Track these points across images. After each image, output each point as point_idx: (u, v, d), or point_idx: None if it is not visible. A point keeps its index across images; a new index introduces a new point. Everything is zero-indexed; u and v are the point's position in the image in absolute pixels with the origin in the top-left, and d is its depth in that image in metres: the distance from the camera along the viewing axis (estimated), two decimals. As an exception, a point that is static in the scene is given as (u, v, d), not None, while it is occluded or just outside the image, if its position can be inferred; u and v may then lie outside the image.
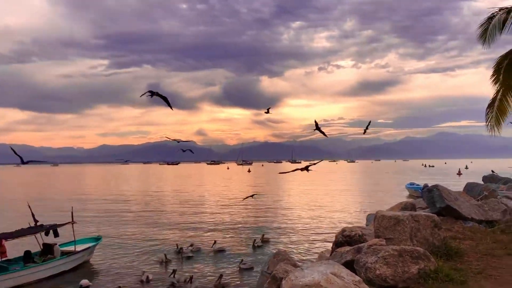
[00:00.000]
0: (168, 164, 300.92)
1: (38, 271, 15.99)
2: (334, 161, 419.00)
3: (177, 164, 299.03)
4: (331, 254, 8.56)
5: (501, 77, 25.04)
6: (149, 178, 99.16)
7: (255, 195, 23.71)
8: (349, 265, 7.31)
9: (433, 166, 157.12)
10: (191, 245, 19.51)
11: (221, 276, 14.79)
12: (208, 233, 23.86)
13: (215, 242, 19.85)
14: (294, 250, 18.62)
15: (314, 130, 15.17)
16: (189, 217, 30.69)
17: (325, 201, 39.59)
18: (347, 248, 7.95)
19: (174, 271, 15.31)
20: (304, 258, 17.06)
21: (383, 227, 8.42)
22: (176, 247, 19.23)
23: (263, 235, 21.25)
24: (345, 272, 6.00)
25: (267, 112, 17.18)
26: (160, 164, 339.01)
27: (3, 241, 15.43)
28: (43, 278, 15.84)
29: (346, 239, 8.54)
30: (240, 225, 26.53)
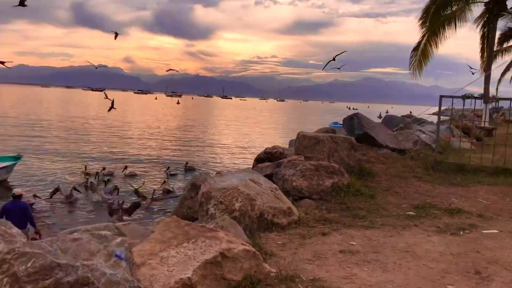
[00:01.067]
0: (92, 90, 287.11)
1: None
2: (265, 99, 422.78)
3: (101, 90, 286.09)
4: (252, 169, 8.73)
5: (427, 22, 25.98)
6: (71, 104, 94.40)
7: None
8: (269, 178, 7.48)
9: (356, 109, 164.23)
10: (103, 169, 18.94)
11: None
12: (126, 161, 23.23)
13: (126, 167, 19.45)
14: (215, 170, 18.87)
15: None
16: (110, 144, 29.82)
17: (252, 134, 40.22)
18: (268, 163, 8.13)
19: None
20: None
21: (303, 146, 8.66)
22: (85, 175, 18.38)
23: (187, 163, 21.17)
24: (263, 179, 6.13)
25: (116, 37, 16.32)
26: (84, 89, 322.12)
27: None
28: None
29: (267, 156, 8.71)
30: (161, 154, 26.24)
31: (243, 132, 39.04)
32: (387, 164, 9.73)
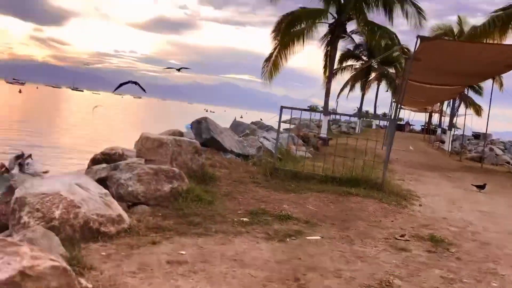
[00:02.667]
0: None
1: None
2: (120, 95, 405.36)
3: None
4: (85, 172, 8.07)
5: (279, 36, 27.60)
6: None
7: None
8: (103, 182, 6.96)
9: (213, 112, 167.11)
10: None
11: None
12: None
13: None
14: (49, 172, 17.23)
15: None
16: None
17: (97, 132, 37.90)
18: (104, 165, 7.57)
19: None
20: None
21: (145, 148, 8.32)
22: None
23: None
24: (93, 185, 5.64)
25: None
26: None
27: None
28: None
29: (104, 157, 8.13)
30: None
31: (86, 130, 36.52)
32: (230, 169, 9.90)
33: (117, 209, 5.50)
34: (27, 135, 28.35)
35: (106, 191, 5.69)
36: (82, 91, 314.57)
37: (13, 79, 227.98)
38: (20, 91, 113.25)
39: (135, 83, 14.39)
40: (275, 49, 28.11)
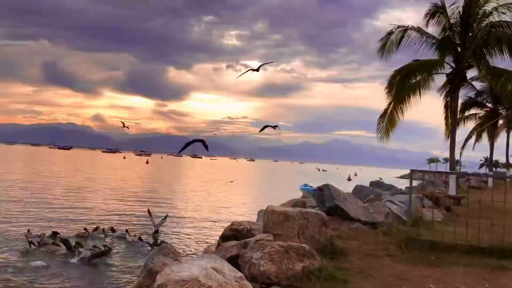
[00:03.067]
0: (59, 148, 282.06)
1: None
2: (235, 158, 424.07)
3: (68, 149, 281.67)
4: (216, 248, 8.12)
5: (393, 91, 26.76)
6: (38, 162, 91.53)
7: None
8: (234, 260, 6.90)
9: (326, 171, 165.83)
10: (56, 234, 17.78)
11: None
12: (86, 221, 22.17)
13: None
14: (180, 242, 17.87)
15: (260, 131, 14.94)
16: (73, 205, 28.51)
17: (219, 195, 39.39)
18: (233, 242, 7.55)
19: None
20: (190, 252, 16.45)
21: (272, 222, 8.17)
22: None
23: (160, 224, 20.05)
24: (227, 267, 5.56)
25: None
26: (50, 147, 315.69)
27: None
28: None
29: (233, 233, 8.14)
30: (122, 215, 25.12)
31: (209, 197, 37.96)
32: (359, 240, 9.30)
33: (253, 294, 5.32)
34: (157, 206, 30.29)
35: (241, 274, 5.56)
36: (201, 157, 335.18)
37: (141, 151, 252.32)
38: (147, 162, 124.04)
39: (201, 141, 14.23)
40: (389, 104, 27.16)
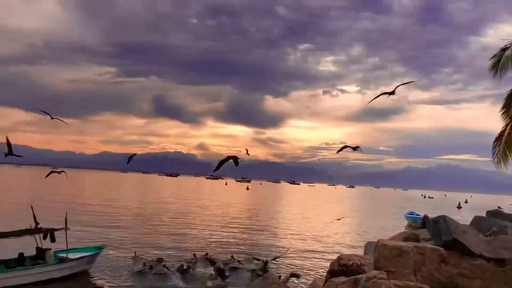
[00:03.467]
0: (167, 175, 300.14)
1: (20, 276, 15.11)
2: (333, 185, 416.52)
3: (176, 176, 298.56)
4: (324, 284, 7.71)
5: (510, 111, 24.35)
6: (148, 188, 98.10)
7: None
8: (344, 298, 6.48)
9: (432, 198, 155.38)
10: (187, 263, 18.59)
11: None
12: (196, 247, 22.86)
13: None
14: (285, 274, 17.49)
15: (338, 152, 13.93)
16: (187, 231, 29.76)
17: (322, 225, 38.51)
18: (343, 278, 7.11)
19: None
20: (295, 285, 16.04)
21: (383, 257, 7.60)
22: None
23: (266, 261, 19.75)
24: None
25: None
26: (159, 174, 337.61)
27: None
28: (25, 284, 14.90)
29: (342, 268, 7.70)
30: (225, 244, 25.48)
31: (312, 225, 37.19)
32: (485, 280, 8.29)
33: None
34: (259, 234, 30.42)
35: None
36: (299, 184, 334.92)
37: (241, 177, 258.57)
38: (247, 188, 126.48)
39: (233, 157, 14.18)
40: (507, 125, 24.77)
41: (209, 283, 16.35)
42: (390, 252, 7.51)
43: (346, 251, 23.25)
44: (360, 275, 6.93)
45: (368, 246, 11.42)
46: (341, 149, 12.39)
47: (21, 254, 16.45)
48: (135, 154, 19.94)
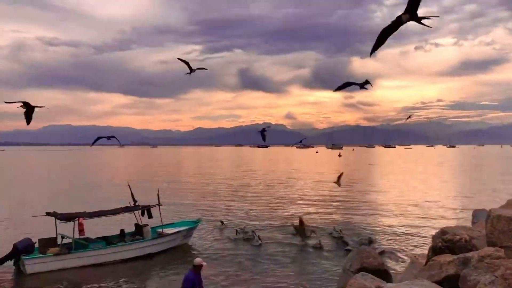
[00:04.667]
0: (258, 147, 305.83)
1: (119, 252, 15.85)
2: (432, 146, 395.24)
3: (267, 147, 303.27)
4: (426, 263, 6.66)
5: None
6: (241, 160, 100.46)
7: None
8: (451, 281, 5.43)
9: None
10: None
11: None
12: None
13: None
14: (381, 247, 16.30)
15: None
16: (279, 201, 29.64)
17: (421, 191, 36.05)
18: (449, 257, 6.01)
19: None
20: (392, 259, 14.85)
21: (499, 231, 6.33)
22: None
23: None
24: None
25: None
26: (251, 146, 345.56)
27: (81, 219, 15.39)
28: (126, 258, 15.70)
29: (447, 245, 6.54)
30: (319, 212, 24.79)
31: (410, 193, 34.78)
32: None
33: None
34: (360, 206, 29.37)
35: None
36: (394, 147, 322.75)
37: (332, 144, 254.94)
38: (339, 155, 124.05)
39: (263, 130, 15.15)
40: None
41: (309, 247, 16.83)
42: (507, 225, 6.23)
43: (451, 221, 21.27)
44: (470, 253, 5.80)
45: (476, 214, 9.94)
46: (342, 87, 10.15)
47: (122, 231, 17.25)
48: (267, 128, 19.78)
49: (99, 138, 16.57)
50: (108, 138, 17.16)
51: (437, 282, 5.48)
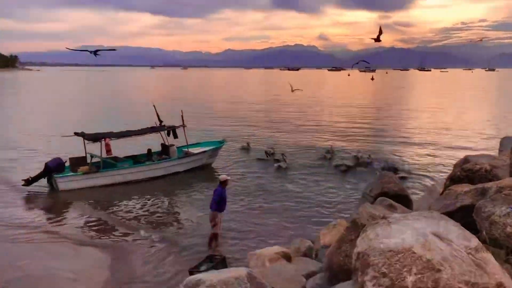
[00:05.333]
0: (289, 69, 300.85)
1: (147, 170, 16.36)
2: (470, 69, 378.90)
3: (297, 70, 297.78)
4: (442, 192, 6.50)
5: None
6: (269, 84, 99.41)
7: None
8: (466, 212, 5.28)
9: None
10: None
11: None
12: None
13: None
14: (404, 173, 16.10)
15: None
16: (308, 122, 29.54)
17: (453, 116, 34.96)
18: (466, 187, 5.81)
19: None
20: (413, 186, 14.67)
21: (524, 161, 6.04)
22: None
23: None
24: (455, 232, 4.03)
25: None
26: (281, 69, 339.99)
27: (108, 139, 15.74)
28: (153, 177, 16.19)
29: (466, 174, 6.30)
30: (348, 138, 24.59)
31: (442, 118, 33.70)
32: None
33: (495, 273, 3.73)
34: (382, 132, 28.87)
35: (476, 242, 3.98)
36: (430, 70, 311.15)
37: (365, 67, 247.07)
38: (372, 78, 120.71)
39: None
40: None
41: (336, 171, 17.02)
42: (532, 154, 5.91)
43: (479, 148, 20.62)
44: (489, 184, 5.58)
45: (504, 142, 9.50)
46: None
47: (149, 150, 17.68)
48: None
49: (87, 51, 16.94)
50: (95, 53, 17.66)
51: (451, 212, 5.34)
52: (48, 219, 12.30)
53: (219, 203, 9.99)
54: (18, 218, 12.10)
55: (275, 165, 17.68)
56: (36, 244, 10.25)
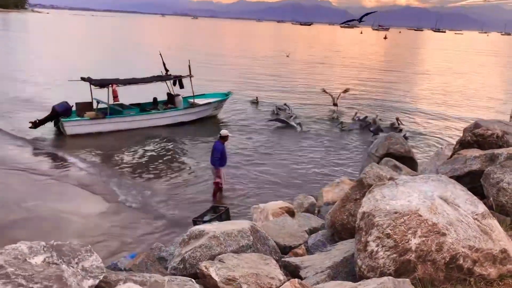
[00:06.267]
0: (300, 24, 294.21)
1: (152, 119, 16.41)
2: (485, 32, 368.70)
3: (309, 25, 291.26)
4: (451, 156, 6.41)
5: None
6: (280, 38, 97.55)
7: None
8: (474, 177, 5.23)
9: None
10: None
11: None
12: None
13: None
14: (410, 135, 16.00)
15: None
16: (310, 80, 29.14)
17: (466, 80, 34.32)
18: (476, 152, 5.72)
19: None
20: (421, 148, 14.61)
21: (536, 128, 5.91)
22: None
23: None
24: (462, 197, 3.98)
25: None
26: (292, 23, 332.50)
27: (115, 85, 15.64)
28: (157, 126, 16.27)
29: (476, 139, 6.18)
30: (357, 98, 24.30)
31: (455, 81, 33.05)
32: None
33: (500, 239, 3.71)
34: (391, 95, 28.47)
35: (483, 208, 3.94)
36: (444, 31, 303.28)
37: (379, 25, 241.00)
38: (385, 37, 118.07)
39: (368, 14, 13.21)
40: None
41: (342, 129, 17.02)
42: (547, 122, 5.76)
43: (491, 113, 20.39)
44: (500, 150, 5.48)
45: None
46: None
47: (155, 99, 17.64)
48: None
49: None
50: None
51: (459, 177, 5.28)
52: (55, 162, 12.44)
53: (220, 159, 10.00)
54: (25, 160, 12.23)
55: (289, 121, 17.39)
56: (43, 187, 10.41)
